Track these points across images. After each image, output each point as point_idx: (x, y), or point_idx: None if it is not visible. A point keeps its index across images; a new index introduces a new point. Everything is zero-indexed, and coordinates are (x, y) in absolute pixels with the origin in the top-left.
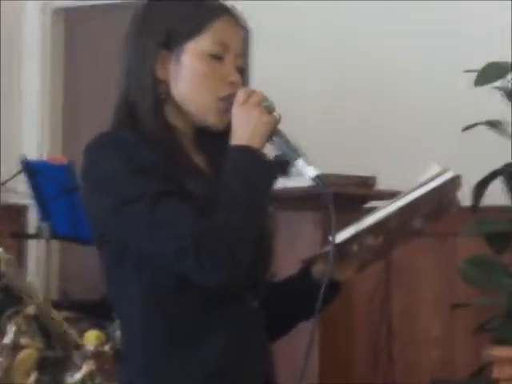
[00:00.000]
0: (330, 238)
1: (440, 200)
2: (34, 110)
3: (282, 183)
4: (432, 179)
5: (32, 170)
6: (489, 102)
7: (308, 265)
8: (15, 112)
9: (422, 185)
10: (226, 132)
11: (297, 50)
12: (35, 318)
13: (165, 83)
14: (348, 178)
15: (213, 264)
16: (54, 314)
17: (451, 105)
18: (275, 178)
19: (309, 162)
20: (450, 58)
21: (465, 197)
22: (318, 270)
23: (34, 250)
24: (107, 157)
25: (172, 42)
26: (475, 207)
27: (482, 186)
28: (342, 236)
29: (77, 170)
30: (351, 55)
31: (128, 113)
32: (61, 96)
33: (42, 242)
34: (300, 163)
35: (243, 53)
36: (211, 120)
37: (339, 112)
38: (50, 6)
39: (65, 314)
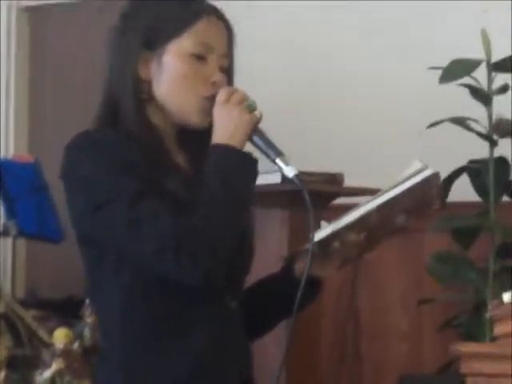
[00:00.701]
0: (311, 236)
1: (420, 197)
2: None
3: None
4: (411, 177)
5: None
6: (459, 98)
7: (290, 262)
8: None
9: (401, 182)
10: (207, 130)
11: (263, 50)
12: (4, 316)
13: (147, 83)
14: (316, 175)
15: (192, 263)
16: (23, 312)
17: (419, 102)
18: (255, 176)
19: (288, 162)
20: (419, 54)
21: None
22: (299, 267)
23: (1, 248)
24: (86, 158)
25: (154, 42)
26: (441, 203)
27: (447, 183)
28: (322, 234)
29: (43, 168)
30: (318, 54)
31: (110, 111)
32: (26, 95)
33: (9, 240)
34: (279, 162)
35: (227, 53)
36: (193, 119)
37: (306, 111)
38: (16, 5)
39: (33, 312)
